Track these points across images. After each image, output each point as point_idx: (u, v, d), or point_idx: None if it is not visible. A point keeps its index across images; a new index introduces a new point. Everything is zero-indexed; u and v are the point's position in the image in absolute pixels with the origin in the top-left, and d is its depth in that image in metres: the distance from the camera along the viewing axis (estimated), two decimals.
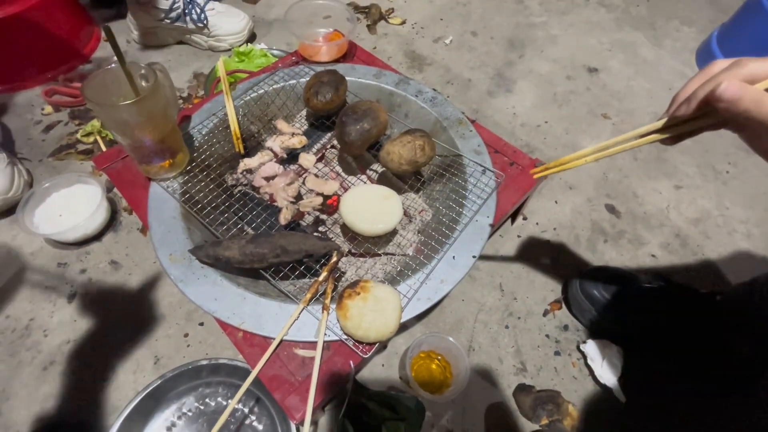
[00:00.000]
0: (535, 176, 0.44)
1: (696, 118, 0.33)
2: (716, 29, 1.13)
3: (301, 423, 0.45)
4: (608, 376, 0.62)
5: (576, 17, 1.26)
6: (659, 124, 0.35)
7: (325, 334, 0.50)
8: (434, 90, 0.76)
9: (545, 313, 0.70)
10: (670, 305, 0.63)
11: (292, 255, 0.53)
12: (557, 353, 0.66)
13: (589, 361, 0.64)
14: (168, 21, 1.03)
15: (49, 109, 0.94)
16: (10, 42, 0.93)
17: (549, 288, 0.73)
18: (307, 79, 0.73)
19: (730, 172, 0.92)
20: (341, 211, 0.58)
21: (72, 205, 0.76)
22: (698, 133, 0.34)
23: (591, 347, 0.64)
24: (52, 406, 0.60)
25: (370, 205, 0.58)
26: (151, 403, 0.58)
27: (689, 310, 0.62)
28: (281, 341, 0.50)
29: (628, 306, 0.64)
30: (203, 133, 0.70)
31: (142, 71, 0.55)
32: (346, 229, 0.66)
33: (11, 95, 0.97)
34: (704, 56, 1.12)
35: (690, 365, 0.63)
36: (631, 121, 0.99)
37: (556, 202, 0.85)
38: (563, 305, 0.71)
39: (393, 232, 0.66)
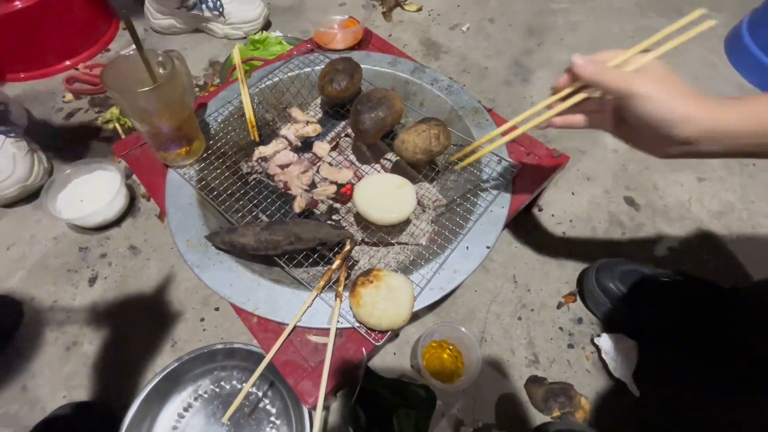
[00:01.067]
0: (457, 168, 0.47)
1: (578, 91, 0.41)
2: (747, 15, 1.08)
3: (314, 408, 0.46)
4: (622, 370, 0.61)
5: (598, 3, 1.22)
6: (557, 96, 0.43)
7: (338, 321, 0.50)
8: (450, 79, 0.75)
9: (559, 306, 0.70)
10: (688, 300, 0.61)
11: (306, 243, 0.54)
12: (571, 346, 0.66)
13: (603, 355, 0.63)
14: (184, 9, 1.04)
15: (69, 96, 0.96)
16: (32, 31, 0.95)
17: (563, 280, 0.72)
18: (322, 66, 0.73)
19: (757, 164, 0.88)
20: (355, 200, 0.58)
21: (92, 191, 0.77)
22: (584, 103, 0.42)
23: (605, 341, 0.64)
24: (74, 384, 0.62)
25: (383, 194, 0.58)
26: (169, 385, 0.59)
27: (707, 305, 0.60)
28: (295, 327, 0.50)
29: (645, 300, 0.63)
30: (219, 120, 0.70)
31: (160, 59, 0.55)
32: (359, 218, 0.66)
33: (33, 83, 0.99)
34: (734, 43, 1.08)
35: (706, 361, 0.62)
36: None
37: (572, 193, 0.83)
38: (578, 298, 0.70)
39: (406, 222, 0.66)
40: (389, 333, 0.50)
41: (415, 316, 0.68)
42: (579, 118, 0.43)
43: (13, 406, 0.60)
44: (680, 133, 0.35)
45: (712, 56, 1.08)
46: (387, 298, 0.48)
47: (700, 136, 0.35)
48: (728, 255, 0.76)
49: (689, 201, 0.83)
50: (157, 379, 0.57)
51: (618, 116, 0.40)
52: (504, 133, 0.51)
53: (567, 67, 0.41)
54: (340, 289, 0.52)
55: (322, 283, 0.52)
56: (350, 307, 0.50)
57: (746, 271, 0.74)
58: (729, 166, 0.88)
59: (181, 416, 0.59)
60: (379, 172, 0.72)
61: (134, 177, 0.83)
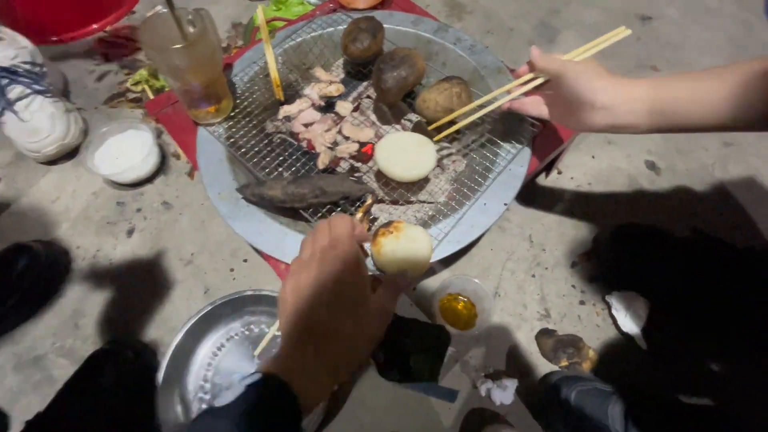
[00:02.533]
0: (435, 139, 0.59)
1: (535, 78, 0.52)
2: None
3: None
4: (631, 326, 0.63)
5: None
6: (517, 81, 0.54)
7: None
8: (474, 39, 0.74)
9: (573, 265, 0.72)
10: (703, 258, 0.62)
11: (330, 196, 0.56)
12: (582, 302, 0.68)
13: (613, 311, 0.65)
14: None
15: (100, 59, 0.99)
16: None
17: (579, 241, 0.74)
18: (345, 26, 0.73)
19: None
20: (376, 157, 0.60)
21: (126, 149, 0.82)
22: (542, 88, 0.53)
23: (616, 298, 0.66)
24: (119, 323, 0.68)
25: (404, 152, 0.60)
26: (203, 326, 0.65)
27: (724, 265, 0.61)
28: None
29: (660, 258, 0.64)
30: (244, 81, 0.72)
31: (190, 17, 0.57)
32: (380, 176, 0.68)
33: (66, 46, 1.03)
34: None
35: (719, 320, 0.64)
36: None
37: (593, 156, 0.83)
38: (593, 257, 0.72)
39: (426, 180, 0.68)
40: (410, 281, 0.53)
41: (432, 271, 0.71)
42: (533, 107, 0.54)
43: (68, 340, 0.67)
44: (599, 99, 0.44)
45: (750, 16, 1.03)
46: (406, 248, 0.51)
47: (612, 100, 0.44)
48: (748, 218, 0.75)
49: (713, 166, 0.82)
50: (192, 321, 0.62)
51: (555, 100, 0.51)
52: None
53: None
54: None
55: None
56: (371, 256, 0.53)
57: (762, 234, 0.73)
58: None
59: (215, 354, 0.65)
60: (399, 130, 0.73)
61: (164, 137, 0.87)
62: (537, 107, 0.54)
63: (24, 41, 0.83)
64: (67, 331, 0.67)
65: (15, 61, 0.79)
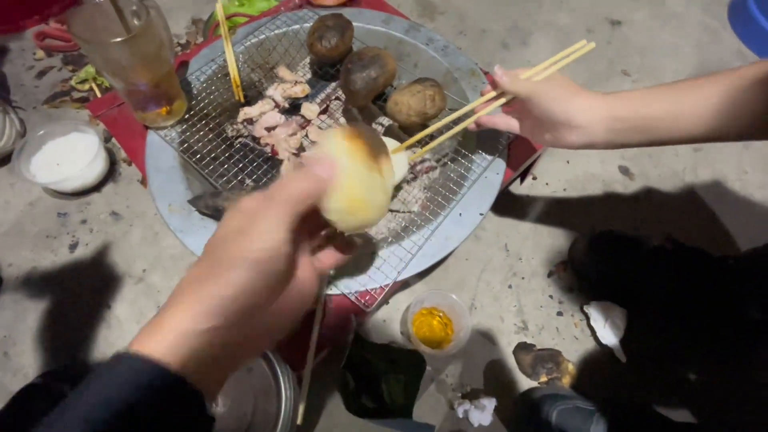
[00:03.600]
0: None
1: (501, 96, 0.49)
2: None
3: (302, 373, 0.45)
4: (610, 337, 0.62)
5: None
6: (482, 99, 0.51)
7: (328, 288, 0.49)
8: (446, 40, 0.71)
9: (550, 275, 0.70)
10: (679, 267, 0.61)
11: None
12: (560, 314, 0.66)
13: (591, 322, 0.63)
14: None
15: (41, 53, 0.90)
16: None
17: (556, 250, 0.72)
18: (312, 23, 0.69)
19: None
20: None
21: (69, 154, 0.74)
22: (511, 104, 0.49)
23: (594, 308, 0.64)
24: (57, 350, 0.61)
25: None
26: None
27: (698, 273, 0.61)
28: None
29: (636, 267, 0.63)
30: (201, 80, 0.66)
31: (134, 8, 0.51)
32: None
33: (1, 39, 0.93)
34: (737, 10, 1.04)
35: (693, 327, 0.63)
36: (652, 78, 0.94)
37: (567, 162, 0.82)
38: (569, 267, 0.70)
39: (397, 188, 0.64)
40: (381, 297, 0.49)
41: (406, 284, 0.67)
42: (502, 122, 0.51)
43: None
44: (575, 119, 0.42)
45: (714, 23, 1.05)
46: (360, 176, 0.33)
47: (590, 120, 0.42)
48: (719, 225, 0.76)
49: (684, 171, 0.82)
50: None
51: (526, 117, 0.49)
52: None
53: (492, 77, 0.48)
54: None
55: None
56: None
57: (735, 242, 0.74)
58: None
59: None
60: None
61: (114, 140, 0.80)
62: (506, 123, 0.51)
63: None
64: None
65: None
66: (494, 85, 0.49)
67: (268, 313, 0.25)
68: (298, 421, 0.44)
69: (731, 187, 0.80)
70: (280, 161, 0.60)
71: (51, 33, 0.91)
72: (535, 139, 0.49)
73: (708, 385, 0.61)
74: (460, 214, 0.55)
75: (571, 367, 0.61)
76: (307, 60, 0.76)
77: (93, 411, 0.20)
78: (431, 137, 0.55)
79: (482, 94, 0.51)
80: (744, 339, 0.61)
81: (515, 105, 0.49)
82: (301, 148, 0.63)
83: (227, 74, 0.67)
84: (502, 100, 0.49)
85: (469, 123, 0.52)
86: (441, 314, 0.62)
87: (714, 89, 0.38)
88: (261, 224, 0.24)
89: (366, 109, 0.71)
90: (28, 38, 0.92)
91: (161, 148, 0.59)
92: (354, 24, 0.68)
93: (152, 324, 0.22)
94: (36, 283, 0.65)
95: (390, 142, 0.58)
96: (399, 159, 0.56)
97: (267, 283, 0.24)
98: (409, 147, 0.58)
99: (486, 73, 0.67)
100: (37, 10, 0.95)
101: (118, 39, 0.47)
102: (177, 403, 0.21)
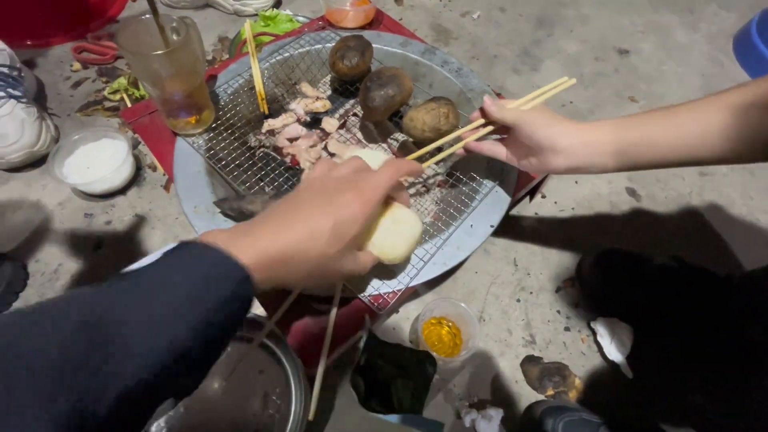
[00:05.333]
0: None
1: (488, 124, 0.52)
2: (756, 15, 1.08)
3: (314, 370, 0.47)
4: (616, 354, 0.63)
5: None
6: (471, 126, 0.54)
7: (342, 290, 0.51)
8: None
9: (558, 290, 0.71)
10: (684, 286, 0.62)
11: None
12: (567, 329, 0.67)
13: (598, 338, 0.64)
14: None
15: (77, 65, 0.96)
16: None
17: (563, 266, 0.73)
18: (333, 44, 0.73)
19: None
20: None
21: (99, 159, 0.78)
22: (498, 132, 0.53)
23: (601, 325, 0.65)
24: None
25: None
26: None
27: (704, 293, 0.61)
28: (299, 295, 0.51)
29: (642, 285, 0.64)
30: (228, 92, 0.70)
31: (174, 24, 0.55)
32: None
33: (42, 51, 0.99)
34: (742, 42, 1.08)
35: (699, 347, 0.64)
36: (658, 105, 0.97)
37: (576, 182, 0.84)
38: (576, 283, 0.71)
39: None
40: (392, 302, 0.51)
41: (415, 294, 0.69)
42: (487, 147, 0.54)
43: None
44: (559, 143, 0.45)
45: (719, 55, 1.08)
46: (388, 228, 0.44)
47: (572, 144, 0.45)
48: (724, 248, 0.77)
49: (690, 194, 0.84)
50: None
51: (512, 144, 0.51)
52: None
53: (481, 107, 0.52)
54: None
55: None
56: None
57: (742, 264, 0.75)
58: None
59: None
60: (386, 151, 0.72)
61: (140, 147, 0.84)
62: (492, 149, 0.53)
63: (1, 44, 0.79)
64: None
65: None
66: (483, 113, 0.52)
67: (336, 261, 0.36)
68: (310, 417, 0.45)
69: (737, 212, 0.82)
70: (301, 170, 0.63)
71: (88, 47, 0.97)
72: (521, 164, 0.51)
73: (712, 404, 0.61)
74: (471, 226, 0.57)
75: (577, 382, 0.62)
76: (328, 77, 0.80)
77: (178, 298, 0.26)
78: (436, 151, 0.58)
79: (471, 120, 0.54)
80: (747, 360, 0.62)
81: (502, 132, 0.53)
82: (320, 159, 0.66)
83: (253, 88, 0.71)
84: (490, 128, 0.52)
85: (457, 148, 0.55)
86: (450, 324, 0.63)
87: (716, 110, 0.40)
88: (372, 179, 0.38)
89: (382, 125, 0.74)
90: (66, 51, 0.98)
91: (189, 154, 0.62)
92: (373, 45, 0.73)
93: (246, 228, 0.33)
94: (60, 280, 0.68)
95: (378, 155, 0.57)
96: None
97: (360, 230, 0.37)
98: (423, 162, 0.61)
99: (499, 95, 0.71)
100: (76, 26, 1.01)
101: (160, 52, 0.51)
102: (241, 299, 0.29)
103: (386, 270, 0.52)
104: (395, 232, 0.44)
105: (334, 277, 0.38)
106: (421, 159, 0.58)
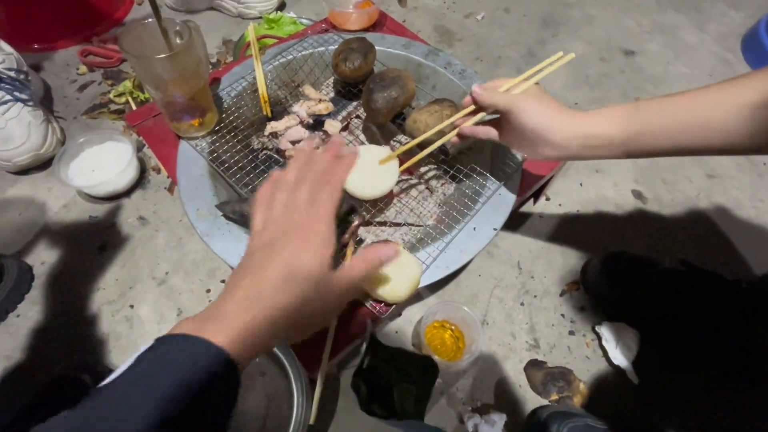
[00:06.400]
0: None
1: (480, 110, 0.51)
2: (765, 14, 1.07)
3: (316, 375, 0.47)
4: (622, 358, 0.62)
5: None
6: (462, 113, 0.52)
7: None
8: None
9: (562, 294, 0.70)
10: (691, 290, 0.61)
11: None
12: (571, 333, 0.66)
13: (603, 342, 0.63)
14: None
15: (83, 69, 0.97)
16: (47, 2, 0.95)
17: (567, 269, 0.72)
18: (336, 46, 0.73)
19: None
20: None
21: (104, 161, 0.78)
22: (491, 118, 0.51)
23: (606, 329, 0.64)
24: (84, 347, 0.63)
25: (367, 169, 0.56)
26: None
27: (712, 297, 0.60)
28: None
29: (649, 289, 0.63)
30: (232, 95, 0.70)
31: (177, 28, 0.55)
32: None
33: (48, 54, 1.00)
34: (751, 43, 1.07)
35: (706, 352, 0.62)
36: None
37: (581, 184, 0.83)
38: (581, 287, 0.70)
39: (416, 201, 0.66)
40: (393, 307, 0.51)
41: (418, 297, 0.69)
42: (482, 130, 0.52)
43: (22, 364, 0.61)
44: (550, 135, 0.44)
45: (728, 55, 1.07)
46: (391, 271, 0.48)
47: (565, 137, 0.44)
48: (733, 251, 0.76)
49: (698, 197, 0.82)
50: None
51: (505, 128, 0.50)
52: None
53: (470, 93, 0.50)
54: (347, 263, 0.52)
55: None
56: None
57: (751, 268, 0.74)
58: (739, 164, 0.88)
59: None
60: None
61: (145, 150, 0.84)
62: (486, 132, 0.52)
63: (9, 48, 0.80)
64: (21, 354, 0.62)
65: (0, 67, 0.76)
66: (474, 101, 0.50)
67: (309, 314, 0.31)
68: (311, 420, 0.45)
69: (746, 214, 0.80)
70: None
71: (94, 50, 0.98)
72: (514, 147, 0.52)
73: (721, 410, 0.60)
74: (474, 229, 0.57)
75: (582, 387, 0.61)
76: (331, 80, 0.80)
77: (160, 387, 0.24)
78: (447, 154, 0.57)
79: (463, 106, 0.52)
80: (756, 365, 0.60)
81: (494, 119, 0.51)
82: None
83: (256, 91, 0.72)
84: (482, 115, 0.50)
85: (451, 136, 0.54)
86: (453, 328, 0.63)
87: (679, 105, 0.39)
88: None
89: (385, 127, 0.74)
90: (72, 54, 0.99)
91: (192, 157, 0.63)
92: (376, 47, 0.72)
93: (213, 312, 0.29)
94: (65, 281, 0.69)
95: (378, 150, 0.58)
96: (389, 168, 0.57)
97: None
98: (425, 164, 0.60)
99: None
100: (82, 30, 1.02)
101: (163, 55, 0.51)
102: (225, 379, 0.26)
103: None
104: (397, 275, 0.48)
105: (320, 319, 0.34)
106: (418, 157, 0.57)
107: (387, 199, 0.60)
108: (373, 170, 0.56)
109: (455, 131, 0.53)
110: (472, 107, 0.51)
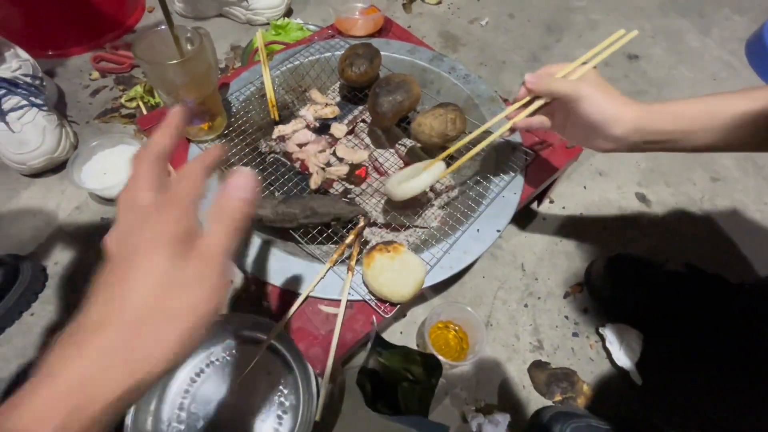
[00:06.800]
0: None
1: (534, 100, 0.49)
2: None
3: (322, 373, 0.47)
4: (625, 360, 0.62)
5: (619, 2, 1.22)
6: (517, 105, 0.50)
7: (349, 293, 0.52)
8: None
9: (566, 296, 0.70)
10: (695, 292, 0.62)
11: (321, 217, 0.55)
12: (575, 334, 0.67)
13: (607, 344, 0.64)
14: None
15: (96, 74, 0.99)
16: (61, 9, 0.98)
17: (571, 271, 0.73)
18: (342, 52, 0.75)
19: None
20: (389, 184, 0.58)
21: (115, 165, 0.80)
22: (544, 107, 0.49)
23: (610, 330, 0.64)
24: None
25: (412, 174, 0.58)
26: None
27: (716, 299, 0.61)
28: (307, 297, 0.52)
29: (652, 291, 0.64)
30: (240, 100, 0.72)
31: (188, 35, 0.57)
32: (371, 200, 0.68)
33: (62, 61, 1.02)
34: (755, 47, 1.07)
35: (710, 354, 0.63)
36: None
37: (584, 187, 0.84)
38: (585, 289, 0.71)
39: (420, 205, 0.67)
40: (397, 307, 0.52)
41: (422, 298, 0.69)
42: (536, 121, 0.50)
43: (36, 362, 0.63)
44: (612, 129, 0.43)
45: (732, 58, 1.07)
46: (396, 271, 0.49)
47: (625, 132, 0.43)
48: (737, 253, 0.76)
49: (701, 200, 0.83)
50: None
51: (559, 116, 0.48)
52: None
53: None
54: (353, 263, 0.53)
55: (335, 256, 0.54)
56: (361, 266, 0.52)
57: (755, 271, 0.74)
58: (743, 167, 0.88)
59: (193, 381, 0.61)
60: (394, 154, 0.73)
61: None
62: (540, 121, 0.50)
63: (25, 54, 0.82)
64: (35, 352, 0.64)
65: (17, 73, 0.78)
66: (528, 90, 0.48)
67: None
68: (317, 417, 0.46)
69: (751, 217, 0.80)
70: (309, 174, 0.64)
71: (106, 57, 1.01)
72: (566, 136, 0.49)
73: (722, 410, 0.60)
74: (478, 230, 0.57)
75: (585, 388, 0.61)
76: (337, 84, 0.82)
77: None
78: (451, 155, 0.58)
79: (516, 100, 0.50)
80: (759, 364, 0.60)
81: (547, 109, 0.49)
82: (329, 164, 0.68)
83: (264, 95, 0.73)
84: (539, 103, 0.48)
85: (504, 130, 0.51)
86: (457, 328, 0.64)
87: (728, 110, 0.41)
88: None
89: (390, 131, 0.75)
90: (85, 60, 1.02)
91: None
92: (382, 53, 0.74)
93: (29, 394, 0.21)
94: (78, 282, 0.70)
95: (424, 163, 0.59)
96: (437, 167, 0.58)
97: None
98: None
99: (506, 101, 0.71)
100: (95, 36, 1.04)
101: (174, 61, 0.53)
102: None
103: None
104: (403, 276, 0.49)
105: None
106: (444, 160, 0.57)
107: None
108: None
109: (509, 124, 0.51)
110: (526, 99, 0.49)
